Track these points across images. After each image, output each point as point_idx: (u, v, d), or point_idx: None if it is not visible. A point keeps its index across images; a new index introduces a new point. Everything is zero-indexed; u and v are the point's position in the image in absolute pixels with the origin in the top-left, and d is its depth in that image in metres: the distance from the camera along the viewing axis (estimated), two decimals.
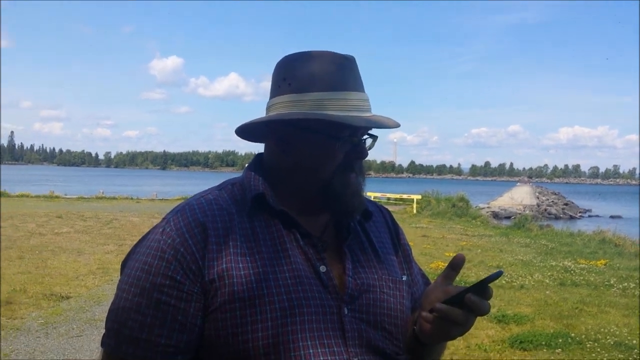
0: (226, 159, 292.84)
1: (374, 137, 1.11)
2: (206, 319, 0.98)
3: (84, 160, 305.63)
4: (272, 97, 1.08)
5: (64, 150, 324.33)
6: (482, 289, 0.98)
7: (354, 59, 1.08)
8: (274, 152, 1.10)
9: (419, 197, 27.04)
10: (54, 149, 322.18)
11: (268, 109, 1.09)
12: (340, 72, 1.04)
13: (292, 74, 1.05)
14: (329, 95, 1.02)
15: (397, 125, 1.07)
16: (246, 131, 1.13)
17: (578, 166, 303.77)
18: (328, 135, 1.02)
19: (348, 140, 1.04)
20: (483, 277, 0.98)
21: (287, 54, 1.10)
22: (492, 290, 0.99)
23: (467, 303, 0.97)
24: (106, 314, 1.03)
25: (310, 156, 1.05)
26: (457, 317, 0.98)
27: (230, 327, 0.96)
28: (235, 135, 1.13)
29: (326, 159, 1.05)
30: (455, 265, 1.04)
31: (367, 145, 1.10)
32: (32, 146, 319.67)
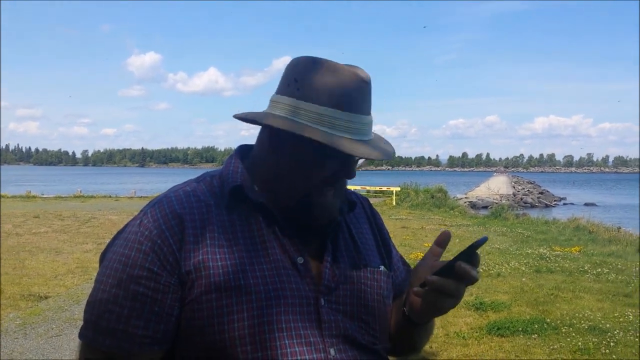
0: (205, 155, 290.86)
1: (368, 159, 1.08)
2: (183, 309, 0.98)
3: (60, 159, 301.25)
4: (279, 92, 1.06)
5: (40, 149, 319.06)
6: (469, 256, 0.99)
7: (370, 81, 1.04)
8: (263, 144, 1.09)
9: (398, 189, 27.17)
10: (30, 148, 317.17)
11: (271, 102, 1.07)
12: (348, 92, 1.01)
13: (304, 79, 1.02)
14: (326, 112, 0.99)
15: (392, 156, 1.06)
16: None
17: (553, 155, 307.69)
18: (320, 150, 1.00)
19: (338, 158, 1.03)
20: (469, 244, 1.00)
21: (303, 55, 1.07)
22: (480, 256, 1.01)
23: (458, 271, 0.98)
24: None
25: (296, 162, 1.04)
26: (449, 287, 0.99)
27: (207, 318, 0.96)
28: (233, 118, 1.09)
29: (312, 170, 1.04)
30: (442, 241, 1.06)
31: (357, 165, 1.09)
32: (7, 146, 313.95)
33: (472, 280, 0.99)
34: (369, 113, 1.04)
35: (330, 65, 1.02)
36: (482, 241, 0.98)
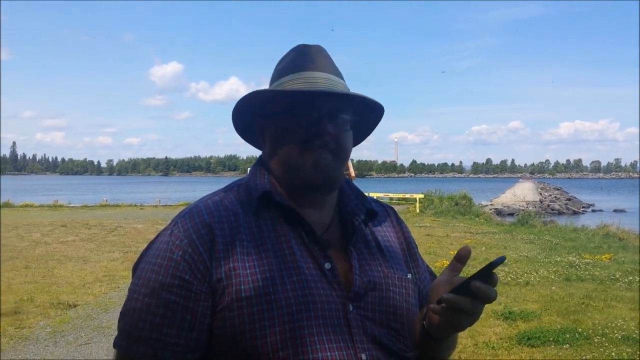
0: (228, 164, 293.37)
1: (339, 113, 1.10)
2: (214, 317, 1.00)
3: (86, 168, 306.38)
4: None
5: (66, 159, 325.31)
6: (487, 275, 0.98)
7: (321, 47, 1.17)
8: (263, 148, 1.18)
9: (422, 196, 27.03)
10: (56, 158, 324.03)
11: None
12: (293, 57, 1.14)
13: (273, 72, 1.17)
14: (288, 78, 1.11)
15: (337, 90, 1.09)
16: (246, 136, 1.24)
17: (580, 161, 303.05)
18: (289, 114, 1.08)
19: (307, 116, 1.08)
20: (486, 264, 0.98)
21: None
22: (497, 276, 1.00)
23: (474, 290, 0.97)
24: (114, 321, 1.05)
25: (277, 140, 1.11)
26: (464, 305, 0.98)
27: (238, 325, 0.97)
28: (241, 139, 1.24)
29: (290, 139, 1.09)
30: (461, 257, 1.05)
31: (338, 122, 1.10)
32: (34, 156, 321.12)
33: (489, 299, 0.99)
34: (323, 70, 1.12)
35: (287, 52, 1.18)
36: (499, 261, 0.97)
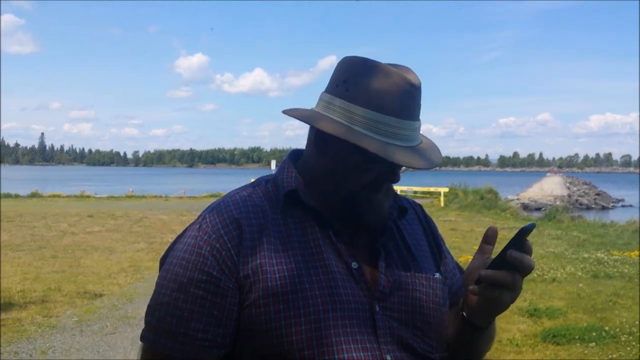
0: (252, 156, 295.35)
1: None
2: (241, 313, 0.99)
3: (112, 159, 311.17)
4: (328, 92, 1.06)
5: (93, 150, 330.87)
6: (520, 243, 0.96)
7: (420, 86, 1.03)
8: (311, 146, 1.10)
9: (447, 190, 26.81)
10: (83, 149, 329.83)
11: (319, 100, 1.08)
12: (400, 98, 1.00)
13: (354, 80, 1.01)
14: (380, 118, 0.99)
15: (436, 164, 1.04)
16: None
17: (610, 155, 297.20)
18: (362, 153, 0.99)
19: (383, 163, 1.01)
20: (517, 232, 0.96)
21: (354, 55, 1.06)
22: (531, 243, 0.97)
23: (510, 260, 0.95)
24: (139, 311, 1.06)
25: (343, 165, 1.04)
26: (504, 279, 0.96)
27: (265, 322, 0.97)
28: (282, 113, 1.10)
29: (358, 174, 1.04)
30: (489, 237, 1.04)
31: (401, 170, 1.07)
32: (62, 147, 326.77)
33: (526, 268, 0.96)
34: (418, 118, 1.04)
35: (382, 68, 1.01)
36: (530, 227, 0.95)
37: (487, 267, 0.98)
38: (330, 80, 1.07)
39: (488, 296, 0.99)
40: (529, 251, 0.97)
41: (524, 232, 0.95)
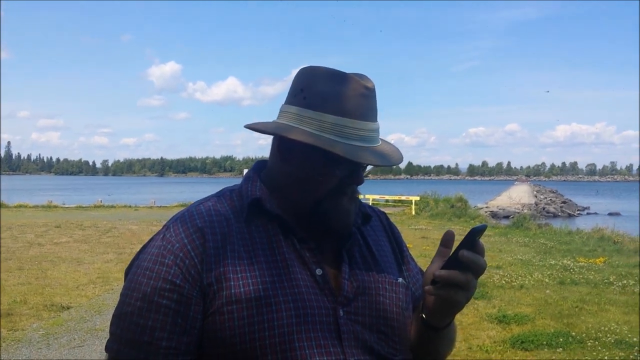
0: (224, 164, 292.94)
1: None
2: (205, 321, 1.00)
3: (81, 169, 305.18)
4: (287, 103, 1.09)
5: (62, 159, 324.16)
6: (471, 244, 0.98)
7: (374, 88, 1.07)
8: (275, 155, 1.12)
9: (418, 198, 27.05)
10: (51, 158, 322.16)
11: (280, 112, 1.10)
12: (355, 100, 1.03)
13: (311, 88, 1.05)
14: (337, 121, 1.02)
15: (399, 162, 1.08)
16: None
17: (575, 163, 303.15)
18: (328, 158, 1.03)
19: (347, 165, 1.05)
20: (468, 232, 0.99)
21: (310, 65, 1.11)
22: (483, 245, 1.00)
23: (462, 260, 0.98)
24: (107, 323, 1.06)
25: (306, 172, 1.07)
26: (457, 278, 0.99)
27: (229, 329, 0.98)
28: (244, 128, 1.12)
29: (322, 179, 1.06)
30: (446, 241, 1.06)
31: (365, 171, 1.11)
32: (29, 156, 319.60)
33: (479, 268, 0.99)
34: (375, 120, 1.07)
35: (334, 73, 1.05)
36: (481, 227, 0.98)
37: (441, 268, 1.01)
38: (290, 88, 1.10)
39: (443, 296, 1.02)
40: (481, 251, 1.00)
41: (475, 233, 0.98)
